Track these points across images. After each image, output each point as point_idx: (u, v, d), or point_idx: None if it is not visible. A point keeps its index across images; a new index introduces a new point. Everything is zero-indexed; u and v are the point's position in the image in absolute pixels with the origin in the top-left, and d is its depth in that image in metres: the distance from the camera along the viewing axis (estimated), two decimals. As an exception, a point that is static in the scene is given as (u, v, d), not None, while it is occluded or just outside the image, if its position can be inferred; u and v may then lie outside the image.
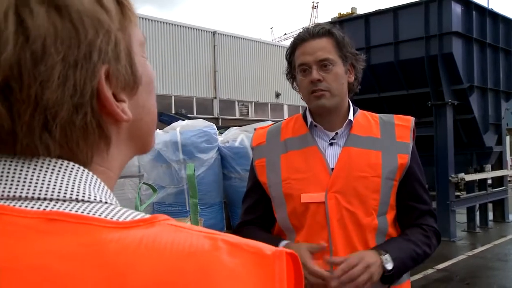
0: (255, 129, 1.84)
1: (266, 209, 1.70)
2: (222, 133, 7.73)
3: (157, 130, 7.24)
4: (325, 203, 1.56)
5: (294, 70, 1.67)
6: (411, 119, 1.70)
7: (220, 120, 23.36)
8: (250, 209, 1.75)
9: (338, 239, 1.55)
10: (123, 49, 0.51)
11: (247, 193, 1.77)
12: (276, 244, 1.53)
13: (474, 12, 8.05)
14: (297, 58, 1.64)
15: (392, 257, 1.50)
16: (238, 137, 6.90)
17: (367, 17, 8.54)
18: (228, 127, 8.63)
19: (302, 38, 1.63)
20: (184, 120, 8.03)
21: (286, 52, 1.71)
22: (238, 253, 0.44)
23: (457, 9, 7.77)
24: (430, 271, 6.26)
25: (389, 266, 1.49)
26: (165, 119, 14.44)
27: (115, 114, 0.51)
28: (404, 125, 1.68)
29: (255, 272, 0.43)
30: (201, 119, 7.31)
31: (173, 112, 19.42)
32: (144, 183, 4.25)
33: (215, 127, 7.05)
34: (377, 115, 1.72)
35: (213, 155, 6.71)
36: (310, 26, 1.69)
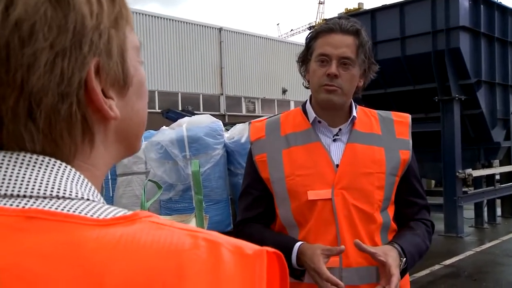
0: (249, 123, 1.79)
1: (267, 205, 1.68)
2: (228, 130, 7.73)
3: (164, 126, 7.25)
4: (332, 199, 1.56)
5: (310, 55, 1.64)
6: (408, 116, 1.73)
7: (226, 117, 23.37)
8: (250, 206, 1.70)
9: (346, 235, 1.55)
10: (116, 46, 0.52)
11: (246, 189, 1.72)
12: (291, 244, 1.54)
13: (482, 6, 7.98)
14: (319, 46, 1.60)
15: (407, 255, 1.53)
16: (244, 133, 6.89)
17: (373, 12, 8.50)
18: (235, 124, 8.63)
19: (331, 28, 1.60)
20: (190, 116, 8.04)
21: (308, 35, 1.68)
22: (218, 251, 0.43)
23: (464, 3, 7.70)
24: (437, 266, 6.23)
25: (402, 268, 1.52)
26: (171, 116, 14.46)
27: (102, 110, 0.50)
28: (402, 121, 1.71)
29: (235, 271, 0.42)
30: (208, 115, 7.31)
31: (180, 109, 19.45)
32: (149, 180, 4.26)
33: (221, 123, 7.05)
34: (375, 111, 1.73)
35: (219, 152, 6.72)
36: (341, 18, 1.65)
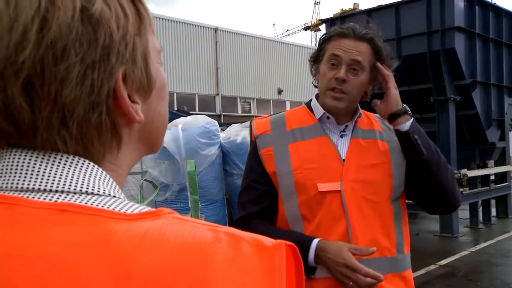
0: (252, 120, 1.80)
1: (272, 200, 1.66)
2: (224, 130, 7.72)
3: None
4: (341, 191, 1.58)
5: (322, 56, 1.67)
6: None
7: (222, 117, 23.34)
8: (255, 201, 1.67)
9: (357, 227, 1.56)
10: (140, 53, 0.54)
11: (250, 183, 1.69)
12: (307, 241, 1.52)
13: (477, 7, 8.01)
14: (331, 48, 1.63)
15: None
16: (240, 133, 6.89)
17: (368, 12, 8.50)
18: (230, 124, 8.62)
19: (344, 33, 1.62)
20: (186, 117, 8.02)
21: (321, 37, 1.72)
22: (239, 244, 0.45)
23: (459, 3, 7.73)
24: (432, 267, 6.25)
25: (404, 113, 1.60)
26: (167, 116, 14.41)
27: (129, 115, 0.53)
28: None
29: (255, 262, 0.44)
30: (203, 116, 7.30)
31: (175, 109, 19.41)
32: (145, 179, 4.25)
33: (217, 123, 7.04)
34: (372, 114, 1.77)
35: (215, 152, 6.71)
36: (357, 24, 1.66)
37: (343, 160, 1.62)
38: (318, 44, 1.72)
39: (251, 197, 1.68)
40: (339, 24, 1.70)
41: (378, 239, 1.58)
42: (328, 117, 1.67)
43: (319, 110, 1.68)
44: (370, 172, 1.61)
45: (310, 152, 1.62)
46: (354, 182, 1.59)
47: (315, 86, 1.74)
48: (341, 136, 1.67)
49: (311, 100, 1.75)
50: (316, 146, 1.63)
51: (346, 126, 1.68)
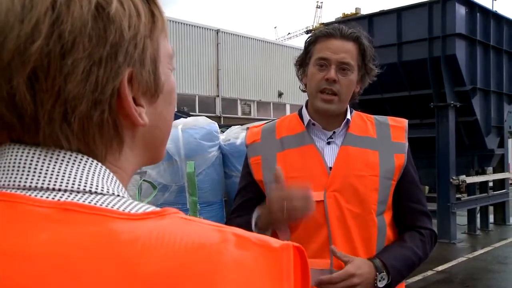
0: (247, 128, 1.82)
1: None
2: (224, 132, 7.72)
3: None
4: (324, 201, 1.56)
5: (309, 59, 1.65)
6: (405, 121, 1.73)
7: (222, 119, 23.35)
8: (242, 206, 1.71)
9: (338, 237, 1.56)
10: (150, 56, 0.53)
11: (240, 191, 1.74)
12: (250, 221, 1.55)
13: (478, 14, 8.04)
14: (319, 50, 1.61)
15: (389, 269, 1.52)
16: (239, 135, 6.87)
17: (370, 17, 8.53)
18: (230, 126, 8.61)
19: (330, 33, 1.61)
20: (186, 117, 8.02)
21: (307, 39, 1.69)
22: (246, 245, 0.44)
23: (461, 10, 7.75)
24: (429, 272, 6.25)
25: (381, 284, 1.50)
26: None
27: (132, 117, 0.52)
28: (398, 126, 1.70)
29: (263, 263, 0.44)
30: (203, 117, 7.30)
31: (175, 109, 19.38)
32: (144, 180, 4.25)
33: (217, 125, 7.04)
34: (371, 116, 1.74)
35: (214, 153, 6.70)
36: (341, 24, 1.66)
37: (330, 168, 1.60)
38: (304, 46, 1.68)
39: (240, 202, 1.73)
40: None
41: (357, 250, 1.56)
42: (313, 124, 1.65)
43: (306, 117, 1.67)
44: (356, 183, 1.58)
45: (295, 160, 1.62)
46: (338, 192, 1.57)
47: (303, 91, 1.71)
48: (328, 143, 1.64)
49: (303, 106, 1.73)
50: (302, 155, 1.62)
51: (334, 132, 1.64)
